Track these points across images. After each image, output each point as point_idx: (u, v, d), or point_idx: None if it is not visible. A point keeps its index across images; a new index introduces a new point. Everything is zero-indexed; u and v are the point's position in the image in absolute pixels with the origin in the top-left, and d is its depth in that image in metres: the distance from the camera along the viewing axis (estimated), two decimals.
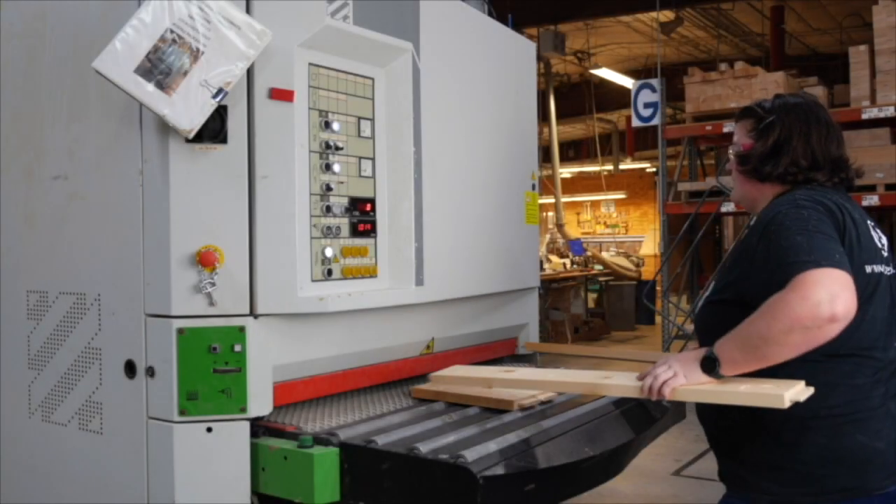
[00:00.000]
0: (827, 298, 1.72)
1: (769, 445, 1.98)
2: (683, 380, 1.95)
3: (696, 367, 1.94)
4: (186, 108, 2.10)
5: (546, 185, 14.28)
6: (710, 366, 1.93)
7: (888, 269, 2.05)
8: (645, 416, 2.62)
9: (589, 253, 14.46)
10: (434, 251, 2.73)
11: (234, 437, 2.22)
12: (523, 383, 2.48)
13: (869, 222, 2.08)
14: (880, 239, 2.08)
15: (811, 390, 1.89)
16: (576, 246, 14.12)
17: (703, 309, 2.19)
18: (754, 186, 2.20)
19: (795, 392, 1.89)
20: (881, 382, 1.98)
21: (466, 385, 2.61)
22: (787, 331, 1.77)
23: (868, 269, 1.97)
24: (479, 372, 2.65)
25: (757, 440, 2.00)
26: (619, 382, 2.18)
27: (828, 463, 1.93)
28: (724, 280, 2.11)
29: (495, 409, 2.52)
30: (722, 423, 2.08)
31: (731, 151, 2.27)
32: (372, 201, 2.61)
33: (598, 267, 13.96)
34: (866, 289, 1.94)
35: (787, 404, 1.85)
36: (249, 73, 2.23)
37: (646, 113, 10.37)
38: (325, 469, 2.12)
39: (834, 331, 1.75)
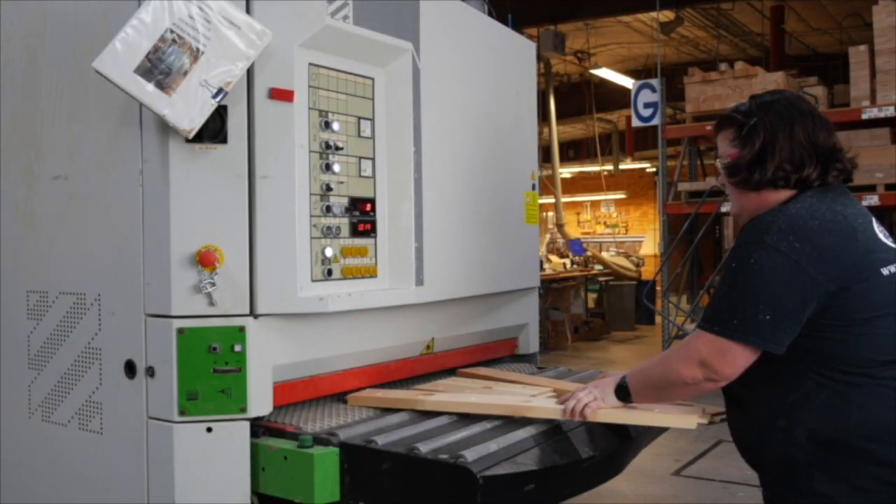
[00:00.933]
0: (701, 367, 1.91)
1: (849, 468, 1.83)
2: (602, 403, 2.17)
3: (612, 392, 2.16)
4: (186, 108, 2.10)
5: (546, 185, 14.28)
6: (622, 394, 2.15)
7: None
8: None
9: (589, 253, 14.46)
10: (434, 251, 2.73)
11: (234, 437, 2.22)
12: (444, 405, 2.47)
13: (875, 221, 2.01)
14: (887, 237, 2.02)
15: (717, 414, 2.13)
16: (576, 246, 14.11)
17: None
18: (752, 197, 2.08)
19: (704, 416, 2.16)
20: None
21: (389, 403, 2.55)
22: (674, 383, 2.00)
23: (885, 271, 1.90)
24: (396, 394, 2.60)
25: (834, 465, 1.85)
26: (542, 405, 2.33)
27: None
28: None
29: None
30: (785, 453, 1.91)
31: (718, 165, 2.16)
32: (372, 201, 2.61)
33: (598, 267, 13.96)
34: (891, 291, 1.87)
35: (695, 426, 2.12)
36: (249, 73, 2.23)
37: (646, 113, 10.37)
38: (325, 469, 2.12)
39: (710, 389, 1.94)
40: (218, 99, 2.12)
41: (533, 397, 2.55)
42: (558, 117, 15.35)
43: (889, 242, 1.97)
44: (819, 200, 1.94)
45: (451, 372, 3.08)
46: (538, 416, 2.31)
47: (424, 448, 2.07)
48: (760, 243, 1.86)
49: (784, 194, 2.01)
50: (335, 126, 2.48)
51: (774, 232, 1.86)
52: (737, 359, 1.88)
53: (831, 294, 1.83)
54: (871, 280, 1.85)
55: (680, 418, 2.20)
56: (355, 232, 2.53)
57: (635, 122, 10.66)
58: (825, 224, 1.87)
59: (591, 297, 13.82)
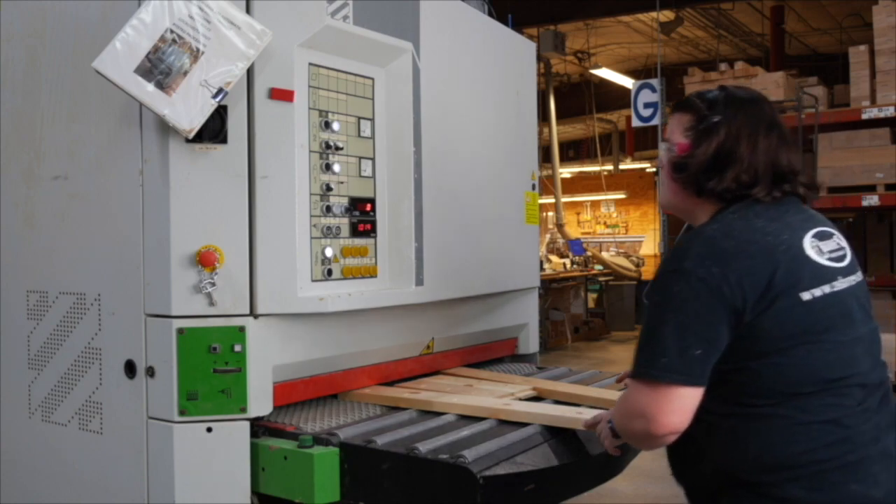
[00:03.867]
0: (643, 420, 1.69)
1: (747, 502, 1.70)
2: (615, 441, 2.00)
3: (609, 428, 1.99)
4: (186, 108, 2.10)
5: (546, 185, 14.27)
6: (616, 435, 1.96)
7: (847, 280, 1.76)
8: None
9: (589, 253, 14.45)
10: (434, 251, 2.73)
11: (234, 437, 2.22)
12: (428, 404, 2.49)
13: (810, 236, 1.76)
14: (832, 252, 1.78)
15: None
16: (576, 246, 14.11)
17: None
18: (690, 199, 1.88)
19: None
20: (870, 412, 1.71)
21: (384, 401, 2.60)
22: (627, 437, 1.85)
23: (806, 296, 1.68)
24: (385, 391, 2.64)
25: (734, 498, 1.72)
26: (523, 409, 2.38)
27: None
28: None
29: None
30: (698, 481, 1.82)
31: (661, 149, 1.94)
32: (372, 201, 2.61)
33: (598, 267, 13.96)
34: (810, 317, 1.68)
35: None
36: (249, 73, 2.23)
37: (646, 113, 10.37)
38: (325, 469, 2.12)
39: (664, 441, 1.72)
40: (218, 99, 2.12)
41: (512, 395, 2.63)
42: (558, 117, 15.35)
43: (822, 260, 1.74)
44: (740, 217, 1.76)
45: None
46: (520, 419, 2.34)
47: (424, 448, 2.07)
48: (681, 271, 1.68)
49: (715, 206, 1.85)
50: (335, 126, 2.48)
51: (693, 257, 1.68)
52: (680, 404, 1.66)
53: (747, 322, 1.65)
54: (788, 306, 1.66)
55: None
56: (355, 232, 2.53)
57: (635, 122, 10.66)
58: (741, 244, 1.69)
59: (591, 297, 13.83)
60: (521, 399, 2.63)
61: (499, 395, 2.65)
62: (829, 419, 1.66)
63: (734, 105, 1.84)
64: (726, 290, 1.64)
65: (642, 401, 1.69)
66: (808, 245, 1.75)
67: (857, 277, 1.80)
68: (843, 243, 1.83)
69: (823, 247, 1.77)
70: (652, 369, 1.67)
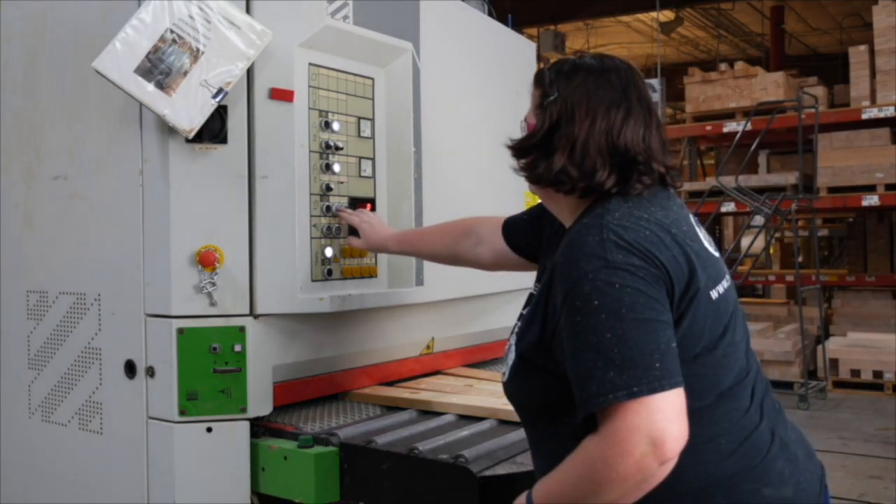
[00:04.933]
0: (650, 445, 1.30)
1: None
2: None
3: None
4: (186, 108, 2.10)
5: None
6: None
7: (728, 276, 1.58)
8: None
9: None
10: None
11: (234, 437, 2.22)
12: (427, 404, 2.50)
13: (696, 226, 1.58)
14: (711, 244, 1.58)
15: None
16: None
17: (513, 380, 1.63)
18: (547, 192, 1.62)
19: None
20: (762, 406, 1.53)
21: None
22: (619, 494, 1.35)
23: (715, 294, 1.47)
24: (385, 391, 2.65)
25: None
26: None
27: None
28: (526, 339, 1.59)
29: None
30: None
31: (522, 130, 1.67)
32: (372, 201, 2.61)
33: None
34: (717, 319, 1.47)
35: None
36: (249, 73, 2.23)
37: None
38: (325, 469, 2.12)
39: (667, 470, 1.34)
40: (218, 99, 2.12)
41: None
42: None
43: (715, 253, 1.54)
44: (634, 207, 1.48)
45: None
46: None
47: (424, 448, 2.07)
48: (610, 265, 1.37)
49: (573, 201, 1.59)
50: (335, 126, 2.48)
51: (611, 249, 1.39)
52: (681, 407, 1.35)
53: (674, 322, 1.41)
54: (703, 307, 1.44)
55: None
56: (355, 232, 2.53)
57: None
58: (656, 234, 1.43)
59: None
60: None
61: (499, 394, 2.65)
62: (733, 427, 1.47)
63: (578, 75, 1.56)
64: (662, 277, 1.40)
65: (648, 422, 1.30)
66: (703, 237, 1.55)
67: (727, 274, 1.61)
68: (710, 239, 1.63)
69: (708, 239, 1.58)
70: (639, 383, 1.31)
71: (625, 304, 1.35)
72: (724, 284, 1.52)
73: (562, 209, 1.66)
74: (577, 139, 1.52)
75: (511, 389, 1.65)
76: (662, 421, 1.31)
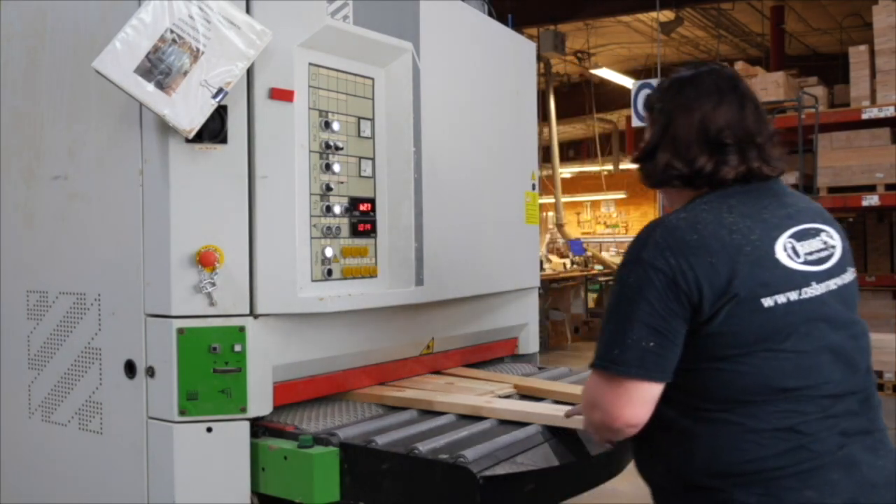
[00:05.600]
0: (597, 408, 1.67)
1: None
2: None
3: None
4: (186, 108, 2.10)
5: (546, 185, 14.27)
6: None
7: (826, 284, 1.67)
8: None
9: (589, 253, 14.45)
10: (434, 251, 2.73)
11: (234, 437, 2.22)
12: (426, 404, 2.52)
13: (786, 236, 1.67)
14: (811, 254, 1.68)
15: None
16: (576, 246, 14.11)
17: None
18: (665, 194, 1.86)
19: None
20: (836, 419, 1.63)
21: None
22: (591, 427, 1.78)
23: (767, 302, 1.60)
24: (385, 391, 2.67)
25: (689, 500, 1.68)
26: (501, 406, 2.43)
27: None
28: None
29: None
30: (656, 481, 1.77)
31: None
32: (372, 201, 2.61)
33: (598, 267, 13.96)
34: (769, 325, 1.60)
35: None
36: (249, 73, 2.23)
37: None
38: (325, 469, 2.12)
39: (625, 435, 1.69)
40: (218, 99, 2.12)
41: (492, 393, 2.66)
42: (558, 117, 15.35)
43: (794, 265, 1.65)
44: (711, 210, 1.67)
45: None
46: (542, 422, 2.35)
47: (424, 448, 2.07)
48: (638, 261, 1.63)
49: (689, 194, 1.77)
50: (335, 126, 2.48)
51: (651, 247, 1.62)
52: (633, 397, 1.61)
53: (702, 322, 1.59)
54: (746, 312, 1.59)
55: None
56: (355, 232, 2.53)
57: (635, 122, 10.63)
58: (705, 240, 1.60)
59: (591, 297, 13.82)
60: (500, 396, 2.65)
61: (479, 392, 2.67)
62: (784, 427, 1.60)
63: (674, 87, 1.81)
64: (682, 283, 1.58)
65: (597, 392, 1.67)
66: (781, 247, 1.65)
67: (844, 279, 1.71)
68: (833, 241, 1.74)
69: (801, 248, 1.68)
70: (605, 361, 1.64)
71: (625, 297, 1.63)
72: (792, 296, 1.62)
73: (676, 205, 1.82)
74: (677, 135, 1.74)
75: None
76: (609, 397, 1.64)
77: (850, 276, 1.75)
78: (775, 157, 1.76)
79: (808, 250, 1.68)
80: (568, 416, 2.22)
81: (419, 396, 2.58)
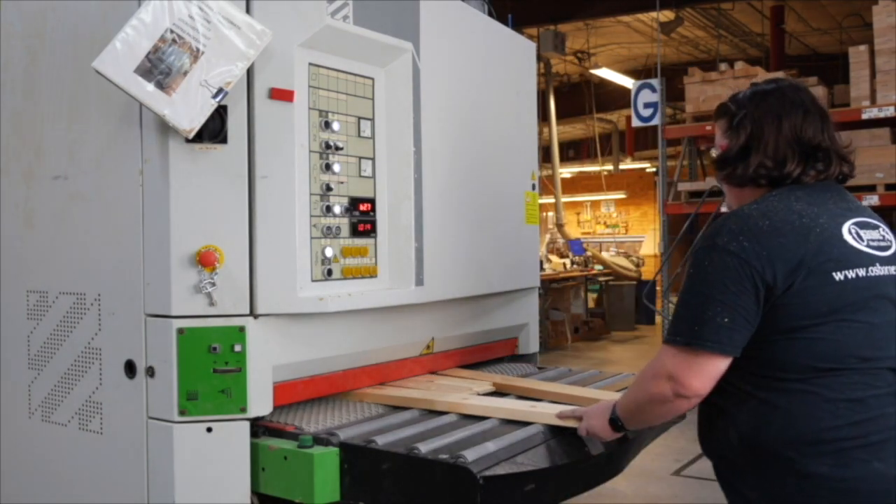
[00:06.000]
0: (671, 380, 1.82)
1: (772, 476, 1.79)
2: (592, 427, 2.15)
3: (607, 423, 2.10)
4: (186, 108, 2.10)
5: (546, 185, 14.27)
6: (616, 426, 2.08)
7: (887, 268, 1.84)
8: None
9: (589, 253, 14.45)
10: (434, 251, 2.73)
11: (234, 437, 2.22)
12: (427, 403, 2.53)
13: (850, 223, 1.86)
14: (873, 241, 1.86)
15: None
16: (576, 246, 14.11)
17: None
18: (737, 192, 2.03)
19: None
20: (892, 391, 1.78)
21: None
22: (649, 402, 1.92)
23: (838, 276, 1.76)
24: (385, 391, 2.70)
25: (760, 470, 1.81)
26: (480, 404, 2.48)
27: (839, 495, 1.72)
28: None
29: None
30: (726, 453, 1.91)
31: (712, 154, 2.11)
32: (372, 201, 2.61)
33: (598, 267, 13.96)
34: (841, 297, 1.76)
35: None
36: (249, 73, 2.23)
37: (646, 113, 10.38)
38: (325, 469, 2.12)
39: (685, 406, 1.87)
40: (218, 99, 2.12)
41: (470, 391, 2.69)
42: (558, 117, 15.36)
43: (860, 246, 1.82)
44: (780, 200, 1.87)
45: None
46: (539, 420, 2.36)
47: (424, 448, 2.07)
48: (713, 247, 1.81)
49: (764, 192, 1.94)
50: (335, 126, 2.48)
51: (725, 233, 1.81)
52: (703, 369, 1.79)
53: (777, 296, 1.75)
54: (818, 284, 1.75)
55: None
56: (355, 232, 2.53)
57: (635, 122, 10.67)
58: (776, 224, 1.79)
59: (591, 297, 13.82)
60: (479, 394, 2.67)
61: (457, 390, 2.69)
62: (856, 398, 1.74)
63: (757, 97, 1.99)
64: (756, 264, 1.75)
65: (672, 364, 1.82)
66: (847, 231, 1.84)
67: None
68: (890, 236, 1.91)
69: (864, 235, 1.86)
70: (681, 336, 1.80)
71: (701, 279, 1.81)
72: (861, 272, 1.79)
73: (746, 201, 1.96)
74: (769, 140, 1.91)
75: None
76: (683, 369, 1.79)
77: None
78: (852, 163, 1.98)
79: (871, 238, 1.87)
80: (561, 417, 2.28)
81: (397, 394, 2.61)
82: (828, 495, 1.72)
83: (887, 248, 1.88)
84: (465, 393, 2.65)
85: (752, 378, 1.81)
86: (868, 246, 1.84)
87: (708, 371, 1.79)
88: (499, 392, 2.78)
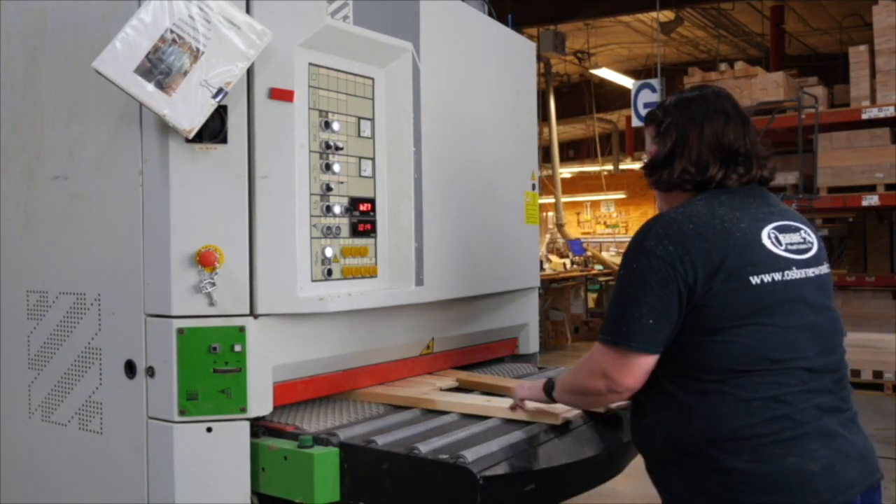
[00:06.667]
0: (605, 378, 1.91)
1: (696, 471, 1.84)
2: (526, 392, 2.33)
3: (542, 386, 2.24)
4: (186, 108, 2.10)
5: (546, 185, 14.27)
6: (548, 387, 2.22)
7: (804, 271, 1.89)
8: None
9: (589, 253, 14.45)
10: (434, 251, 2.73)
11: (234, 437, 2.22)
12: (428, 403, 2.55)
13: (770, 227, 1.90)
14: (792, 245, 1.90)
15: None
16: (576, 246, 14.10)
17: None
18: (666, 197, 2.08)
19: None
20: (814, 394, 1.82)
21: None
22: (583, 394, 2.07)
23: (755, 280, 1.81)
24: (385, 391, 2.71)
25: (685, 467, 1.87)
26: (442, 399, 2.53)
27: (756, 490, 1.76)
28: None
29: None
30: (653, 450, 1.97)
31: (643, 160, 2.17)
32: (372, 201, 2.61)
33: (598, 267, 13.95)
34: (757, 300, 1.81)
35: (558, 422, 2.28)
36: (249, 73, 2.23)
37: (646, 113, 10.36)
38: (325, 469, 2.12)
39: (618, 399, 2.00)
40: (218, 99, 2.12)
41: (434, 387, 2.73)
42: (558, 117, 15.35)
43: (777, 251, 1.87)
44: (705, 204, 1.91)
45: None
46: (494, 414, 2.43)
47: (424, 448, 2.07)
48: (640, 249, 1.87)
49: (690, 196, 2.00)
50: (335, 126, 2.48)
51: (652, 237, 1.86)
52: (633, 367, 1.87)
53: (698, 299, 1.80)
54: (736, 287, 1.80)
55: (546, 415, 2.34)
56: (355, 232, 2.53)
57: (635, 122, 10.66)
58: (699, 228, 1.84)
59: (591, 297, 13.82)
60: (442, 390, 2.71)
61: (421, 385, 2.73)
62: (770, 396, 1.79)
63: (682, 104, 2.06)
64: (679, 267, 1.80)
65: (605, 361, 1.91)
66: (766, 235, 1.89)
67: (820, 270, 1.94)
68: (811, 238, 1.97)
69: (783, 239, 1.91)
70: (611, 335, 1.88)
71: (630, 280, 1.87)
72: (776, 276, 1.84)
73: (675, 205, 2.01)
74: (692, 146, 1.98)
75: None
76: (615, 368, 1.89)
77: (826, 269, 1.97)
78: (771, 167, 2.05)
79: (789, 241, 1.92)
80: (513, 409, 2.39)
81: (397, 393, 2.62)
82: (749, 490, 1.77)
83: (807, 250, 1.93)
84: (427, 388, 2.69)
85: (676, 378, 1.87)
86: (786, 250, 1.89)
87: (638, 369, 1.87)
88: (462, 388, 2.82)
